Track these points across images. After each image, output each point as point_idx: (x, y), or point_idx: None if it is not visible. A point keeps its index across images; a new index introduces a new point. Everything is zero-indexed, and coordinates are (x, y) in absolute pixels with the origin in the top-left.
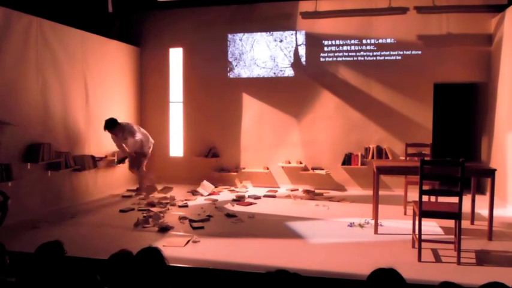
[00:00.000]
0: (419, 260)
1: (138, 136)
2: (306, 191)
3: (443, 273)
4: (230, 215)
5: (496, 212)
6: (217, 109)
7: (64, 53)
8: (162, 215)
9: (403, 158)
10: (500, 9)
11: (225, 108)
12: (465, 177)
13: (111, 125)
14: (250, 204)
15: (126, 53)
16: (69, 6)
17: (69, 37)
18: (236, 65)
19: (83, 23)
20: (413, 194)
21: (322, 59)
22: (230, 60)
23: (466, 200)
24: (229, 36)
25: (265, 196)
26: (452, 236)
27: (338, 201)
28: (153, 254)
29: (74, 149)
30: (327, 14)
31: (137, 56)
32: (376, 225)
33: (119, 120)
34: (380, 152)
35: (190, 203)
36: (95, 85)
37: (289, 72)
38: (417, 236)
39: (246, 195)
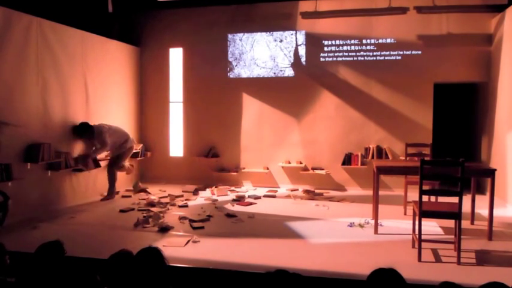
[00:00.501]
0: (419, 260)
1: (108, 140)
2: (306, 191)
3: (443, 273)
4: (230, 215)
5: (496, 212)
6: (218, 109)
7: (64, 53)
8: (162, 215)
9: (403, 158)
10: (500, 9)
11: (225, 108)
12: (465, 177)
13: (85, 130)
14: (250, 204)
15: (126, 53)
16: (69, 6)
17: (69, 37)
18: (236, 65)
19: (83, 23)
20: (413, 194)
21: (322, 59)
22: (230, 60)
23: (466, 200)
24: (229, 36)
25: (265, 196)
26: (452, 236)
27: (338, 201)
28: (153, 254)
29: (73, 149)
30: (327, 14)
31: (137, 56)
32: (376, 225)
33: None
34: (380, 152)
35: (190, 203)
36: (95, 85)
37: (289, 72)
38: (417, 236)
39: (246, 195)
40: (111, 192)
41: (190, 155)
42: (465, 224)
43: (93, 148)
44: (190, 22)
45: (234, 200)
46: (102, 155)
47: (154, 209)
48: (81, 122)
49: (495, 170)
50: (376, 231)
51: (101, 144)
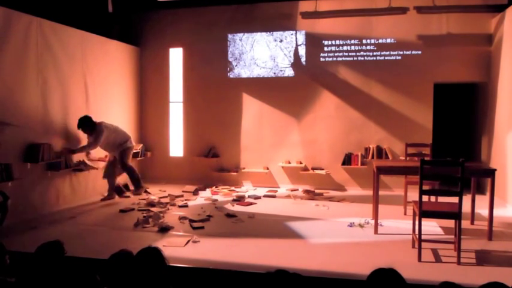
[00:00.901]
0: (419, 260)
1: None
2: (306, 191)
3: (443, 273)
4: (230, 215)
5: (496, 212)
6: (217, 109)
7: (64, 53)
8: (162, 215)
9: (403, 158)
10: (500, 9)
11: (225, 108)
12: (465, 177)
13: (85, 123)
14: (250, 204)
15: (126, 53)
16: (69, 6)
17: (69, 37)
18: (236, 65)
19: (83, 23)
20: (413, 194)
21: (322, 59)
22: (230, 60)
23: (466, 200)
24: (229, 36)
25: (265, 196)
26: (452, 236)
27: (338, 201)
28: (153, 254)
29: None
30: (327, 14)
31: (137, 56)
32: (376, 225)
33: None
34: (380, 152)
35: (190, 203)
36: (94, 85)
37: (289, 72)
38: (417, 236)
39: (246, 195)
40: (138, 182)
41: (190, 155)
42: (465, 224)
43: (82, 145)
44: (190, 22)
45: (234, 200)
46: (94, 154)
47: (154, 209)
48: (85, 115)
49: (495, 170)
50: (376, 231)
51: (94, 140)
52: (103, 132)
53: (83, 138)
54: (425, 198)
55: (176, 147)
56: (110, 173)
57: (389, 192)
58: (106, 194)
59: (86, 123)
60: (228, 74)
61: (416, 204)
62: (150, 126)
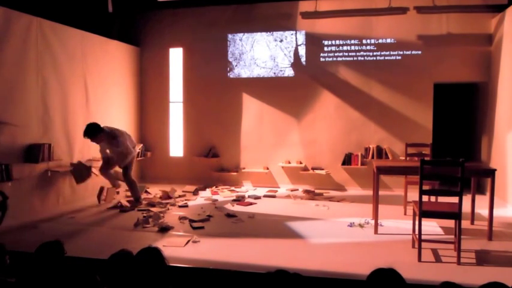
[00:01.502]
0: (419, 260)
1: (121, 147)
2: (306, 191)
3: (443, 273)
4: (230, 215)
5: (496, 212)
6: (217, 109)
7: (64, 53)
8: (162, 215)
9: (403, 158)
10: (500, 9)
11: (225, 108)
12: (465, 177)
13: (94, 131)
14: (250, 204)
15: (126, 53)
16: (69, 6)
17: (69, 37)
18: (236, 65)
19: (83, 23)
20: (413, 194)
21: (322, 59)
22: (230, 60)
23: (466, 200)
24: (229, 36)
25: (265, 196)
26: (452, 236)
27: (338, 201)
28: (153, 254)
29: (73, 149)
30: (327, 14)
31: (137, 56)
32: (376, 225)
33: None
34: (380, 152)
35: (190, 203)
36: (94, 85)
37: (289, 72)
38: (417, 236)
39: (246, 195)
40: (138, 197)
41: (190, 155)
42: (465, 224)
43: (106, 156)
44: (190, 22)
45: (234, 200)
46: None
47: (154, 209)
48: (91, 122)
49: (495, 170)
50: (376, 231)
51: (118, 146)
52: (120, 135)
53: (82, 138)
54: (425, 198)
55: (176, 147)
56: (128, 180)
57: (389, 192)
58: (129, 203)
59: (95, 131)
60: (228, 74)
61: (416, 204)
62: (150, 126)
